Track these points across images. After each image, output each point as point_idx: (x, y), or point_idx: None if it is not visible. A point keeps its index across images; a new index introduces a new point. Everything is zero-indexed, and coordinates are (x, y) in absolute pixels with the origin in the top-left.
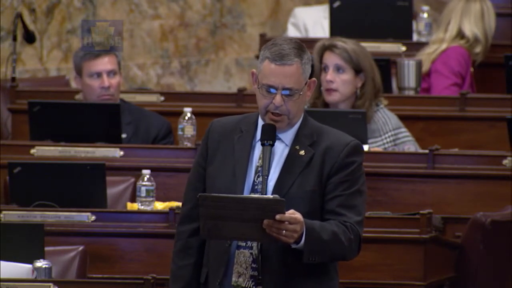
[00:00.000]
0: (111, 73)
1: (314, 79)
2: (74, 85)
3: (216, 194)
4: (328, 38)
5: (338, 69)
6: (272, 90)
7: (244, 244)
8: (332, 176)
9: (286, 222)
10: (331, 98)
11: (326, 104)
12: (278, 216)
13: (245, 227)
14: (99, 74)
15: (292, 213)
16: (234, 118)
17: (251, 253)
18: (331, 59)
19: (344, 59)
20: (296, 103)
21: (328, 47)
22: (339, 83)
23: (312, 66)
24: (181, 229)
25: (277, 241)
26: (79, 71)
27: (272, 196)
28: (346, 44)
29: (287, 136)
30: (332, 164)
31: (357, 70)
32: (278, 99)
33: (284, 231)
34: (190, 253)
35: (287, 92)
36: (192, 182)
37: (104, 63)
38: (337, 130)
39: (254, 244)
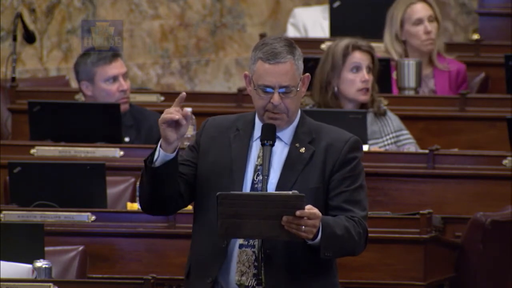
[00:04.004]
0: (125, 75)
1: (307, 74)
2: (73, 85)
3: (237, 192)
4: (350, 38)
5: (368, 69)
6: (269, 90)
7: (246, 242)
8: (336, 173)
9: (305, 218)
10: (366, 97)
11: (337, 104)
12: (298, 212)
13: (264, 224)
14: (114, 78)
15: (311, 208)
16: (230, 117)
17: (254, 252)
18: (364, 58)
19: (373, 59)
20: (293, 100)
21: (359, 47)
22: (370, 83)
23: (314, 63)
24: None
25: (296, 238)
26: (90, 78)
27: (291, 192)
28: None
29: (286, 134)
30: (334, 161)
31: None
32: (276, 98)
33: (303, 227)
34: None
35: (284, 90)
36: (184, 159)
37: (119, 67)
38: (334, 127)
39: (257, 243)
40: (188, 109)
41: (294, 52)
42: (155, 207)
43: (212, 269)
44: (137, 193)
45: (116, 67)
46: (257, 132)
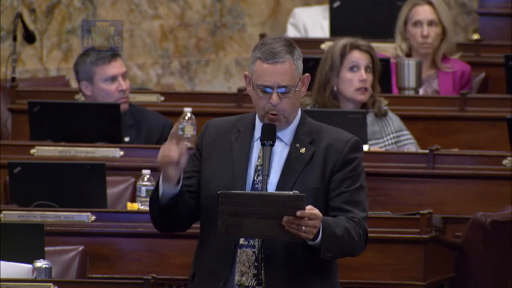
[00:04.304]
0: (124, 75)
1: (307, 74)
2: (73, 85)
3: (238, 191)
4: (348, 38)
5: (367, 68)
6: (268, 90)
7: (246, 243)
8: (336, 173)
9: (306, 218)
10: (364, 97)
11: (335, 104)
12: (299, 213)
13: (265, 224)
14: (113, 78)
15: (311, 209)
16: (231, 119)
17: (254, 252)
18: (362, 58)
19: (373, 59)
20: (292, 100)
21: (357, 47)
22: (369, 82)
23: (315, 63)
24: None
25: (296, 238)
26: (89, 78)
27: (292, 192)
28: (368, 43)
29: (286, 135)
30: (335, 161)
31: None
32: (274, 98)
33: (303, 227)
34: None
35: (283, 90)
36: (187, 171)
37: (118, 66)
38: (335, 127)
39: (257, 243)
40: (188, 109)
41: (293, 52)
42: (169, 228)
43: (223, 272)
44: (137, 193)
45: (115, 67)
46: (258, 132)
